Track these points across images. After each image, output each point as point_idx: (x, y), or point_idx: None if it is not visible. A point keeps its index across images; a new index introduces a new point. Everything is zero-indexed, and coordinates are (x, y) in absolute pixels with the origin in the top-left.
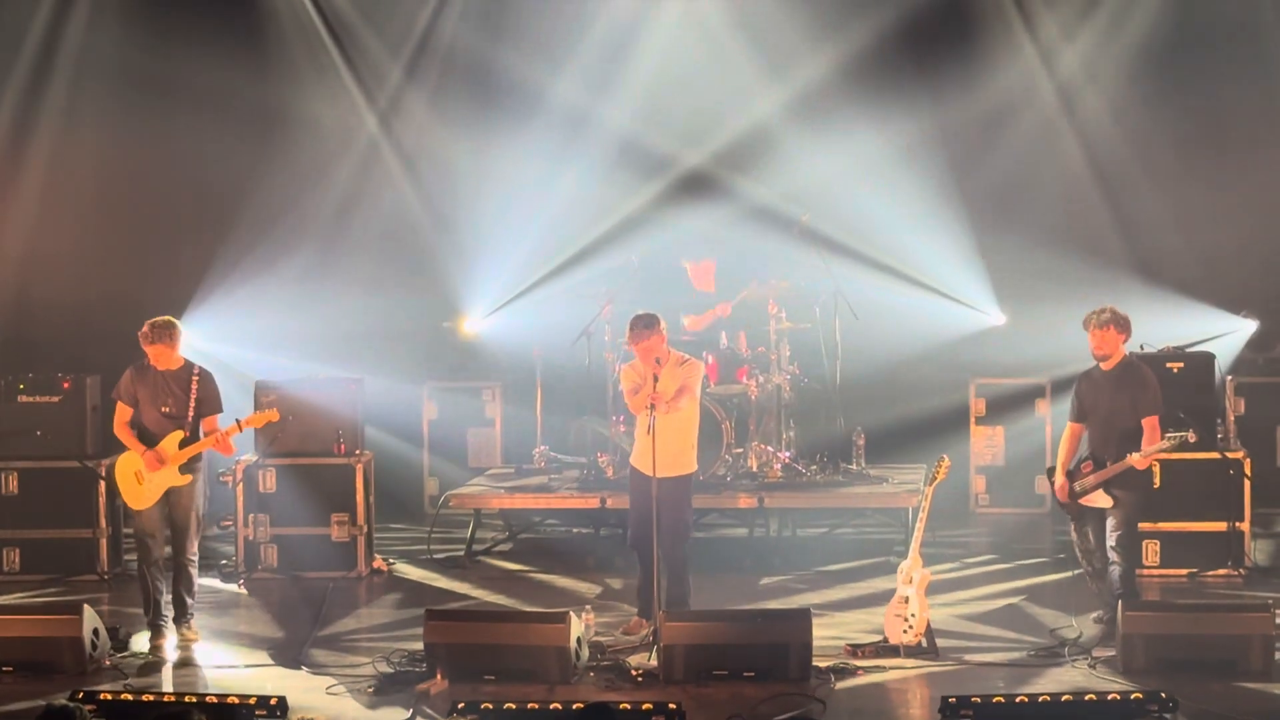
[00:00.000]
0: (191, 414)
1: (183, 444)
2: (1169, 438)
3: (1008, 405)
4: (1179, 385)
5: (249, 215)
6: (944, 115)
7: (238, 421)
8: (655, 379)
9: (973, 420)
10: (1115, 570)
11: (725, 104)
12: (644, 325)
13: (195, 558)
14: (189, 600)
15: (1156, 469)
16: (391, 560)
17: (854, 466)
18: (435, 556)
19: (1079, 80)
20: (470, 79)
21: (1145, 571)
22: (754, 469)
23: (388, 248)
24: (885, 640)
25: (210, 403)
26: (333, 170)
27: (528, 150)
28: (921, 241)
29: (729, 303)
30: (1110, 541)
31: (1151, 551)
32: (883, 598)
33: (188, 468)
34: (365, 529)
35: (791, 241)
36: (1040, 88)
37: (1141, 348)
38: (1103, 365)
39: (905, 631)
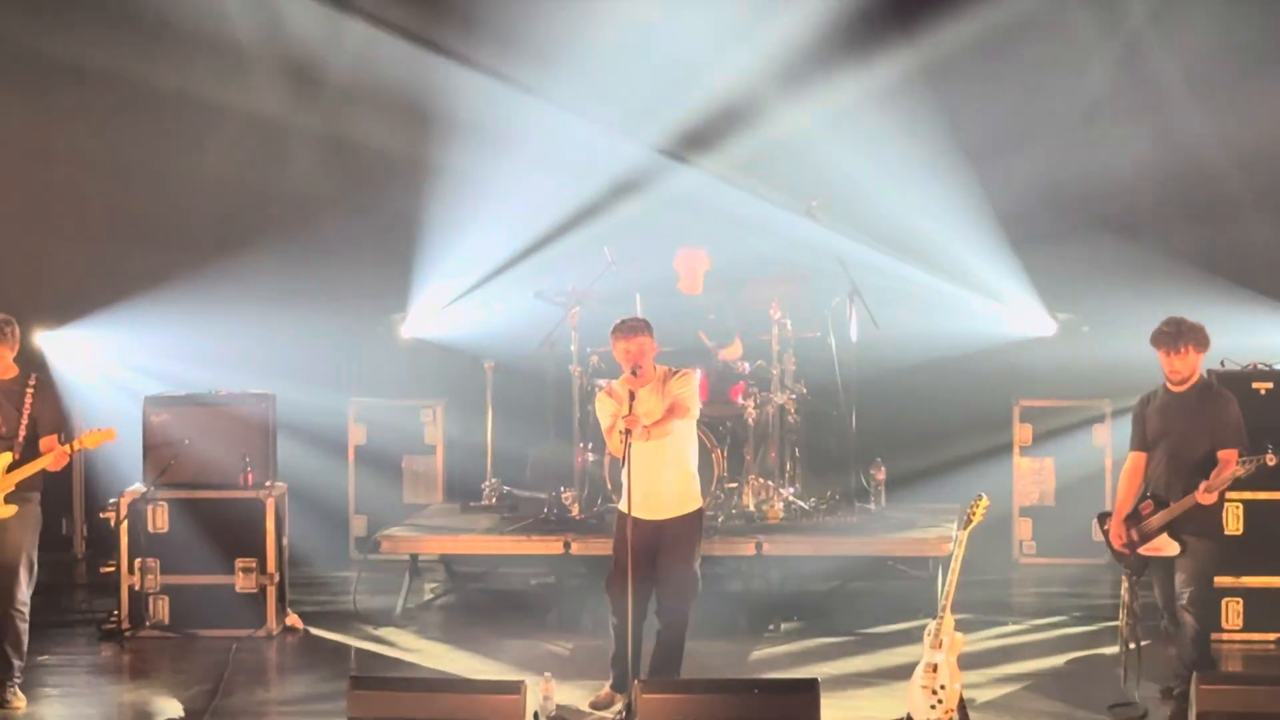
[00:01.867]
0: (23, 432)
1: (10, 468)
2: (1242, 463)
3: (1059, 432)
4: (1267, 410)
5: (144, 207)
6: (980, 86)
7: (65, 441)
8: (632, 396)
9: (1016, 451)
10: (1187, 634)
11: (715, 76)
12: (633, 324)
13: (25, 608)
14: (15, 662)
15: (1238, 513)
16: (305, 627)
17: (872, 506)
18: (362, 611)
19: (1150, 40)
20: (403, 45)
21: (1224, 636)
22: (750, 508)
23: (306, 239)
24: (909, 719)
25: (50, 419)
26: (239, 152)
27: (476, 125)
28: (954, 236)
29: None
30: (1181, 599)
31: (1232, 612)
32: (907, 668)
33: (16, 497)
34: (277, 577)
35: (797, 234)
36: (1101, 51)
37: (1222, 364)
38: (1174, 386)
39: (934, 708)
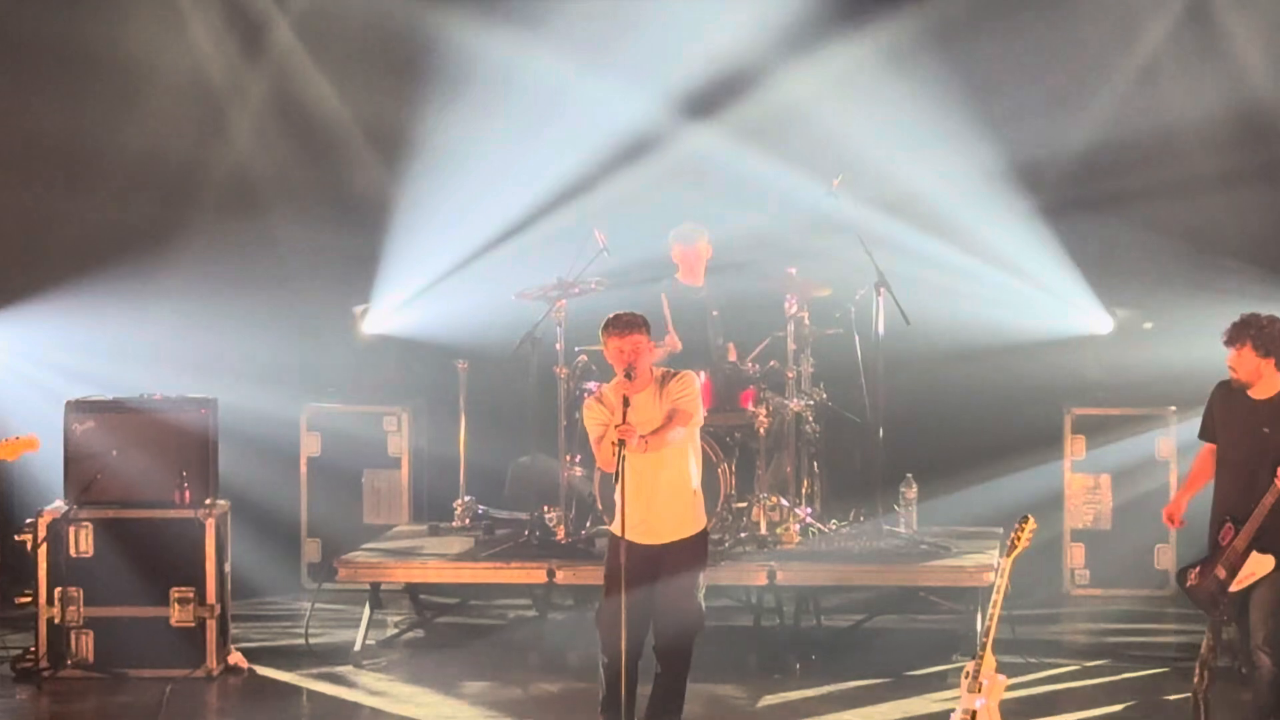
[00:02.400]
0: None
1: None
2: None
3: (1117, 445)
4: None
5: (66, 184)
6: (1018, 42)
7: None
8: (626, 403)
9: (1067, 465)
10: (1263, 677)
11: (721, 32)
12: (629, 320)
13: None
14: None
15: None
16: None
17: (902, 529)
18: (316, 648)
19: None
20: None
21: None
22: (762, 530)
23: (253, 220)
24: None
25: None
26: (175, 120)
27: (453, 87)
28: (995, 219)
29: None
30: (1255, 638)
31: None
32: (941, 716)
33: None
34: (218, 609)
35: (816, 215)
36: (1170, 5)
37: None
38: (1250, 392)
39: None
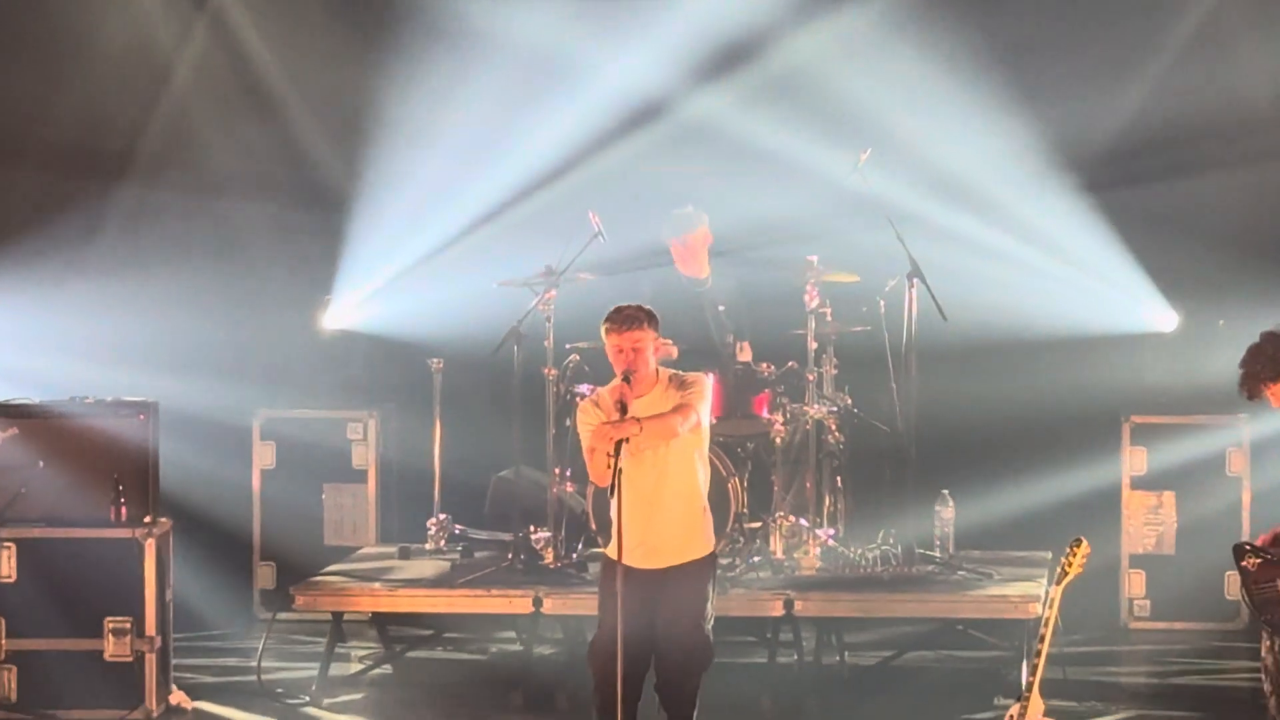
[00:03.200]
0: None
1: None
2: None
3: (1182, 458)
4: None
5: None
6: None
7: None
8: (623, 407)
9: (1126, 482)
10: None
11: None
12: (630, 314)
13: None
14: None
15: None
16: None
17: (937, 553)
18: (269, 686)
19: None
20: None
21: None
22: (779, 554)
23: (198, 197)
24: None
25: None
26: (105, 80)
27: (428, 39)
28: (1042, 201)
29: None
30: None
31: None
32: None
33: None
34: (158, 642)
35: (839, 196)
36: None
37: None
38: None
39: None
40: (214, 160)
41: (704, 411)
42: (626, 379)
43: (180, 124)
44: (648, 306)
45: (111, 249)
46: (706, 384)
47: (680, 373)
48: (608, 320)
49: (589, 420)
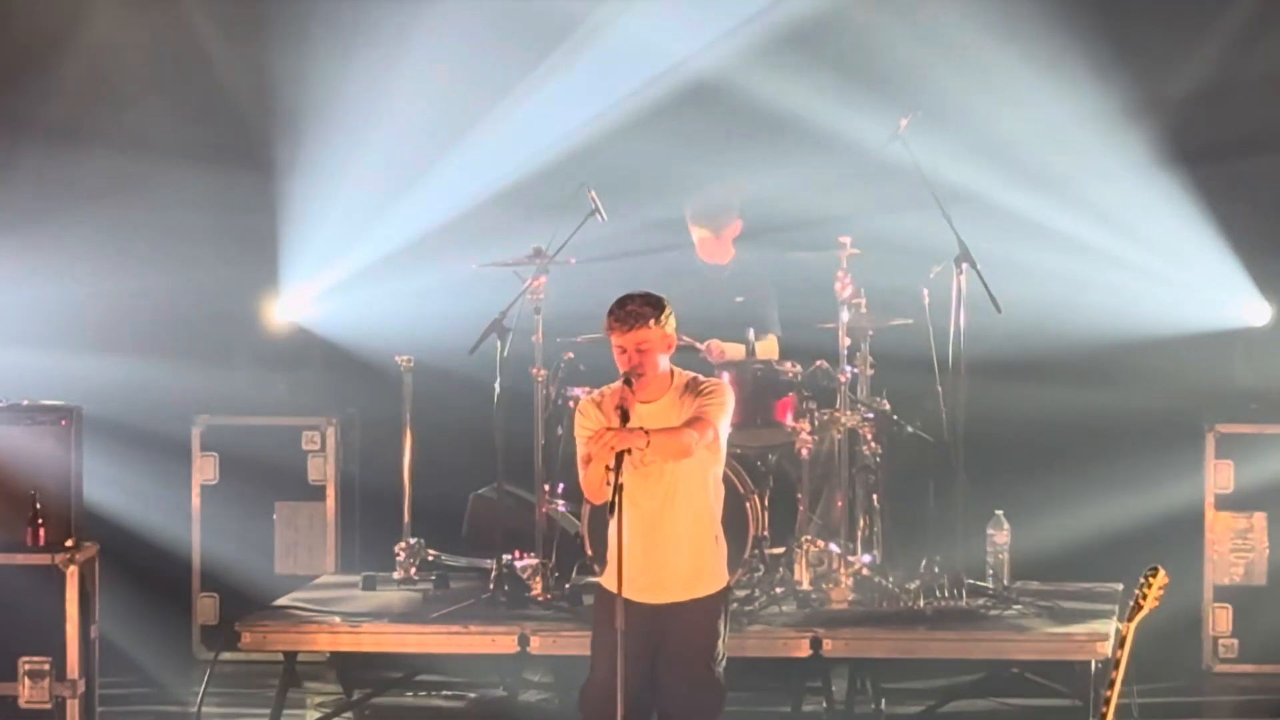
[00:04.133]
0: None
1: None
2: None
3: (1276, 474)
4: None
5: None
6: None
7: None
8: (623, 414)
9: (1210, 501)
10: None
11: None
12: (634, 309)
13: None
14: None
15: None
16: None
17: (990, 584)
18: None
19: None
20: None
21: None
22: (805, 585)
23: (123, 164)
24: None
25: None
26: (52, 68)
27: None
28: (1112, 176)
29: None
30: None
31: None
32: None
33: None
34: (82, 686)
35: (877, 167)
36: None
37: None
38: None
39: None
40: (143, 125)
41: (723, 426)
42: (628, 381)
43: (102, 73)
44: (658, 296)
45: (23, 213)
46: (728, 394)
47: (698, 376)
48: (610, 315)
49: (588, 424)
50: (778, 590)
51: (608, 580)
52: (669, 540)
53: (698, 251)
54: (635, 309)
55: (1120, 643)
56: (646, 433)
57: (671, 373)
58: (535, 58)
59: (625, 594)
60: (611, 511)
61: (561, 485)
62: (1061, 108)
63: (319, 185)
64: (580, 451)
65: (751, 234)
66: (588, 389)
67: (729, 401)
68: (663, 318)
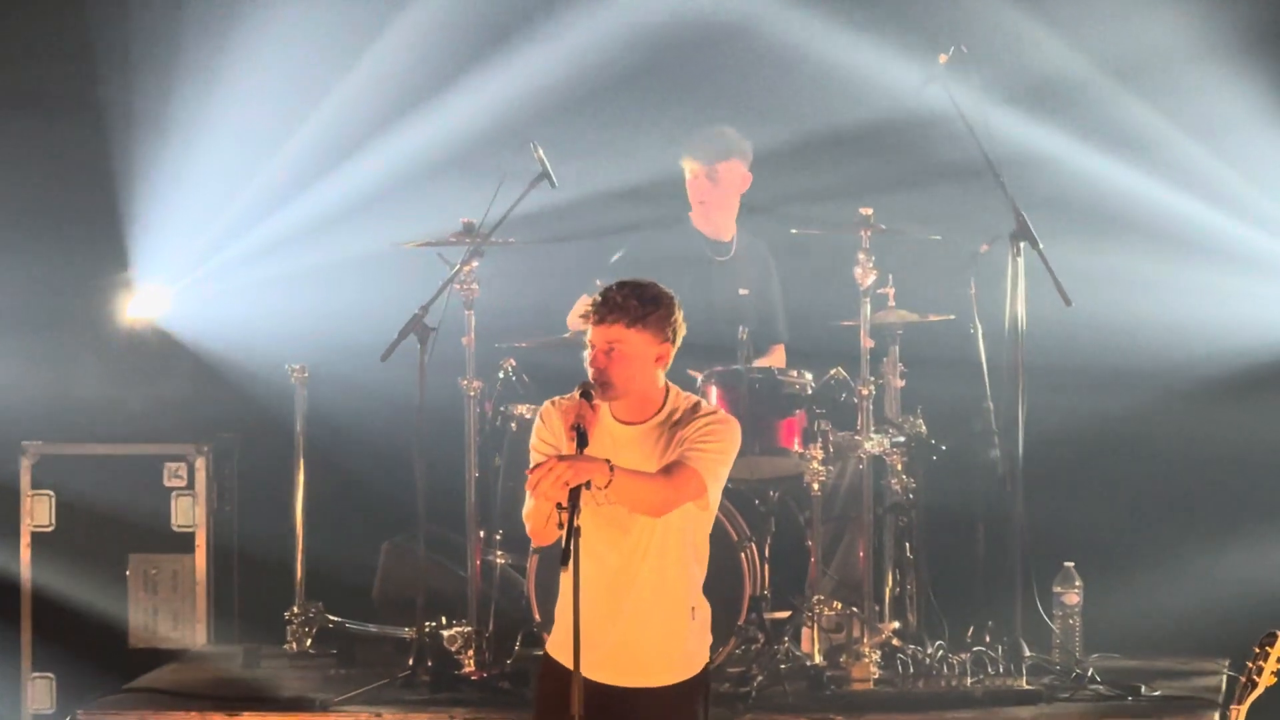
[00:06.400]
0: None
1: None
2: None
3: None
4: None
5: None
6: None
7: None
8: (580, 436)
9: None
10: None
11: None
12: (627, 298)
13: None
14: None
15: None
16: None
17: (1057, 657)
18: None
19: None
20: None
21: None
22: (816, 660)
23: None
24: None
25: None
26: None
27: None
28: (1208, 128)
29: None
30: None
31: None
32: None
33: None
34: None
35: (910, 116)
36: None
37: None
38: None
39: None
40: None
41: (718, 478)
42: (587, 394)
43: None
44: (664, 292)
45: None
46: (732, 436)
47: (701, 403)
48: (603, 297)
49: (548, 436)
50: (782, 666)
51: (558, 651)
52: (634, 607)
53: (689, 194)
54: (618, 298)
55: None
56: (611, 468)
57: (666, 391)
58: None
59: (583, 672)
60: (565, 561)
61: (501, 532)
62: (1155, 32)
63: (187, 146)
64: (530, 479)
65: (754, 206)
66: (530, 406)
67: (732, 446)
68: (653, 319)
